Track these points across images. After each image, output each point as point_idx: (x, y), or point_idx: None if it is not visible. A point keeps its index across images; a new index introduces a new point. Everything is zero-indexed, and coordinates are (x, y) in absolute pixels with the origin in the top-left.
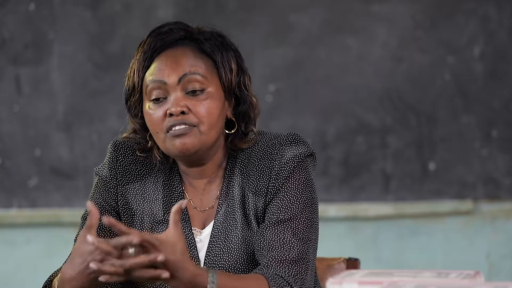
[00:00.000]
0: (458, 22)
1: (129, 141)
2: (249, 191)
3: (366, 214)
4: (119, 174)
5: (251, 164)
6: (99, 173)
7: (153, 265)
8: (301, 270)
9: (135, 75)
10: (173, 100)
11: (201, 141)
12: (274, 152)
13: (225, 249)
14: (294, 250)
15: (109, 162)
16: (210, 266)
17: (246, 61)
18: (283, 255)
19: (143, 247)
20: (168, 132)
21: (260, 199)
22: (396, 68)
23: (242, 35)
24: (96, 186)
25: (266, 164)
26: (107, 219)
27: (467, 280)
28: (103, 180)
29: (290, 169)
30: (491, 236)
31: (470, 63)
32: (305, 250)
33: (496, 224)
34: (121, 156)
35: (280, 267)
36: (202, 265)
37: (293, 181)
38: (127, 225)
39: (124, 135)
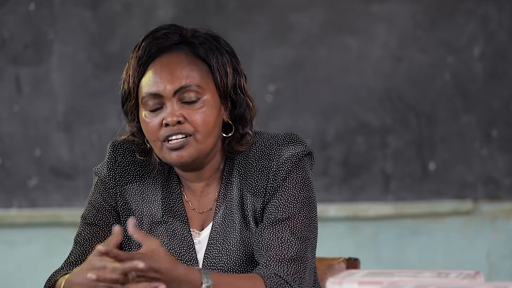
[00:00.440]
0: (458, 22)
1: (128, 143)
2: (247, 192)
3: (366, 214)
4: (118, 174)
5: (249, 165)
6: (98, 173)
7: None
8: (300, 269)
9: (130, 80)
10: (169, 110)
11: (198, 150)
12: (272, 152)
13: (223, 250)
14: (292, 249)
15: (108, 162)
16: (209, 268)
17: (246, 61)
18: (281, 254)
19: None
20: (164, 141)
21: (258, 200)
22: (396, 68)
23: (242, 35)
24: (96, 186)
25: (263, 164)
26: (104, 249)
27: (467, 280)
28: (102, 180)
29: (287, 169)
30: (491, 236)
31: (470, 63)
32: (304, 249)
33: (496, 224)
34: (120, 156)
35: (278, 266)
36: (200, 266)
37: (291, 181)
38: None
39: (123, 137)
